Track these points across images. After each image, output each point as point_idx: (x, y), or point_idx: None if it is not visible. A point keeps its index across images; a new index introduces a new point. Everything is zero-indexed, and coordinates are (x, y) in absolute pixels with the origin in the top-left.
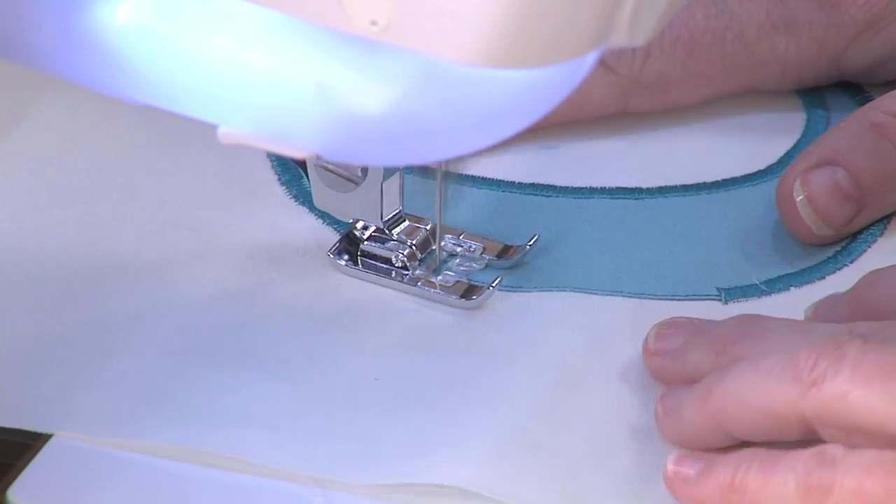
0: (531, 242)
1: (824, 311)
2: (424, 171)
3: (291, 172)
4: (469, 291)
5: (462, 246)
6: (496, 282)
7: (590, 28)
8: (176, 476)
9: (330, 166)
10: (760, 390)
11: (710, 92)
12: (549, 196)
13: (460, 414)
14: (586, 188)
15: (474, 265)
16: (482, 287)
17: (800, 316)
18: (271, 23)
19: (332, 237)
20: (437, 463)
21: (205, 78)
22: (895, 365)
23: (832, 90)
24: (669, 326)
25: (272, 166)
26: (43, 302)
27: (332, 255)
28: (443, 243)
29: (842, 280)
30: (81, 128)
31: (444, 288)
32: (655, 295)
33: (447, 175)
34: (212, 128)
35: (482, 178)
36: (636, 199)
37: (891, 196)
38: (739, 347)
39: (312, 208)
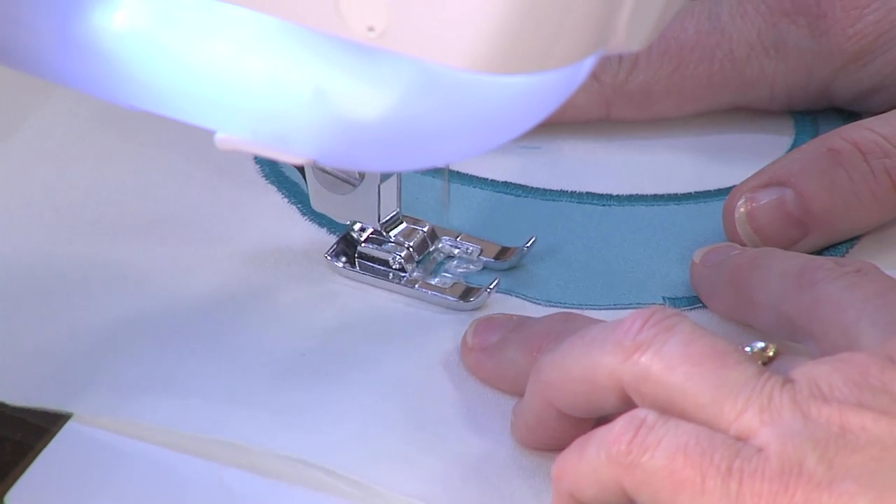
0: (528, 245)
1: (710, 264)
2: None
3: (280, 174)
4: (466, 293)
5: (459, 248)
6: (494, 284)
7: (587, 33)
8: (171, 482)
9: (327, 168)
10: (583, 356)
11: (696, 107)
12: (519, 196)
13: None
14: (556, 191)
15: (471, 267)
16: (480, 289)
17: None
18: (268, 29)
19: (330, 239)
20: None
21: (202, 84)
22: (727, 354)
23: (826, 114)
24: (487, 322)
25: (259, 168)
26: (46, 301)
27: (329, 258)
28: (440, 245)
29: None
30: (79, 134)
31: (442, 290)
32: (598, 305)
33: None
34: (208, 133)
35: (456, 172)
36: (603, 205)
37: (840, 223)
38: (555, 345)
39: (309, 210)
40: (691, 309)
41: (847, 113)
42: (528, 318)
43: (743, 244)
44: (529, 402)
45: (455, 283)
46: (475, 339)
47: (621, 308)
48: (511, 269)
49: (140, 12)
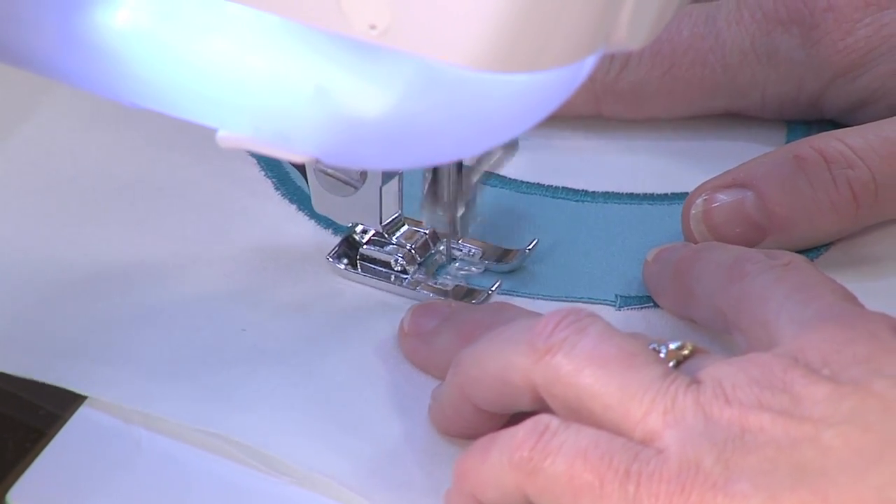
0: (530, 247)
1: (661, 260)
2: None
3: (283, 176)
4: (468, 295)
5: (461, 250)
6: (495, 286)
7: (588, 31)
8: (174, 481)
9: (329, 170)
10: (498, 355)
11: (688, 110)
12: (494, 186)
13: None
14: (532, 183)
15: (473, 269)
16: (481, 291)
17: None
18: (270, 26)
19: (332, 241)
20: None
21: (204, 81)
22: (635, 355)
23: (821, 124)
24: (424, 308)
25: (262, 170)
26: (51, 298)
27: (331, 259)
28: (442, 247)
29: None
30: (80, 132)
31: (443, 292)
32: (551, 296)
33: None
34: (210, 132)
35: None
36: (576, 201)
37: (798, 230)
38: (487, 334)
39: (311, 212)
40: (642, 308)
41: (841, 125)
42: (465, 305)
43: (693, 242)
44: (448, 393)
45: (457, 286)
46: (411, 326)
47: (572, 301)
48: (513, 271)
49: (142, 10)
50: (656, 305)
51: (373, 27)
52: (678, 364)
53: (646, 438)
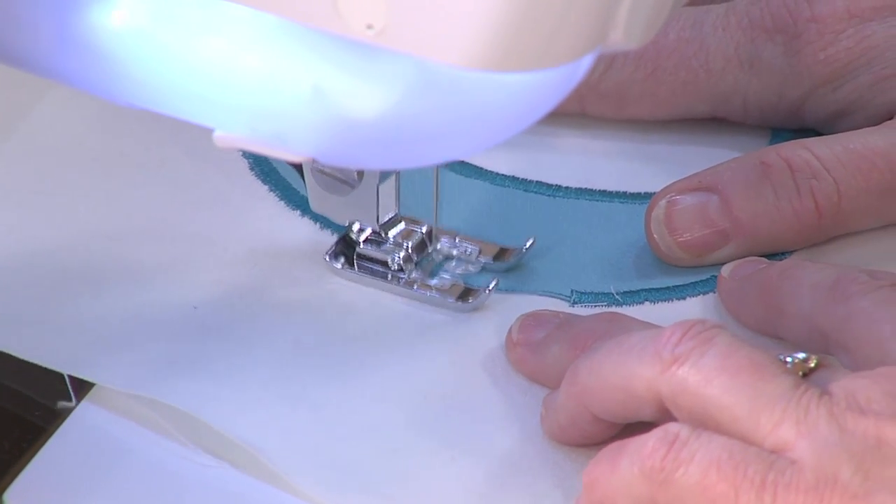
0: (528, 245)
1: (741, 277)
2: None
3: (280, 179)
4: (465, 294)
5: (458, 248)
6: (493, 285)
7: (586, 31)
8: (170, 483)
9: (326, 169)
10: (620, 365)
11: (671, 113)
12: (468, 177)
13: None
14: (507, 176)
15: (470, 268)
16: (478, 290)
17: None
18: (267, 26)
19: (329, 240)
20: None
21: (201, 81)
22: (765, 366)
23: (806, 134)
24: (532, 318)
25: (256, 175)
26: (41, 298)
27: (328, 258)
28: (439, 246)
29: (702, 303)
30: (77, 133)
31: (440, 291)
32: (509, 290)
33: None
34: (208, 132)
35: None
36: (548, 195)
37: (760, 236)
38: (600, 345)
39: (308, 211)
40: (595, 306)
41: (823, 134)
42: (574, 315)
43: (657, 246)
44: (563, 403)
45: (454, 284)
46: (520, 335)
47: (528, 294)
48: (510, 269)
49: (138, 10)
50: (609, 304)
51: (370, 27)
52: (805, 375)
53: (776, 449)
